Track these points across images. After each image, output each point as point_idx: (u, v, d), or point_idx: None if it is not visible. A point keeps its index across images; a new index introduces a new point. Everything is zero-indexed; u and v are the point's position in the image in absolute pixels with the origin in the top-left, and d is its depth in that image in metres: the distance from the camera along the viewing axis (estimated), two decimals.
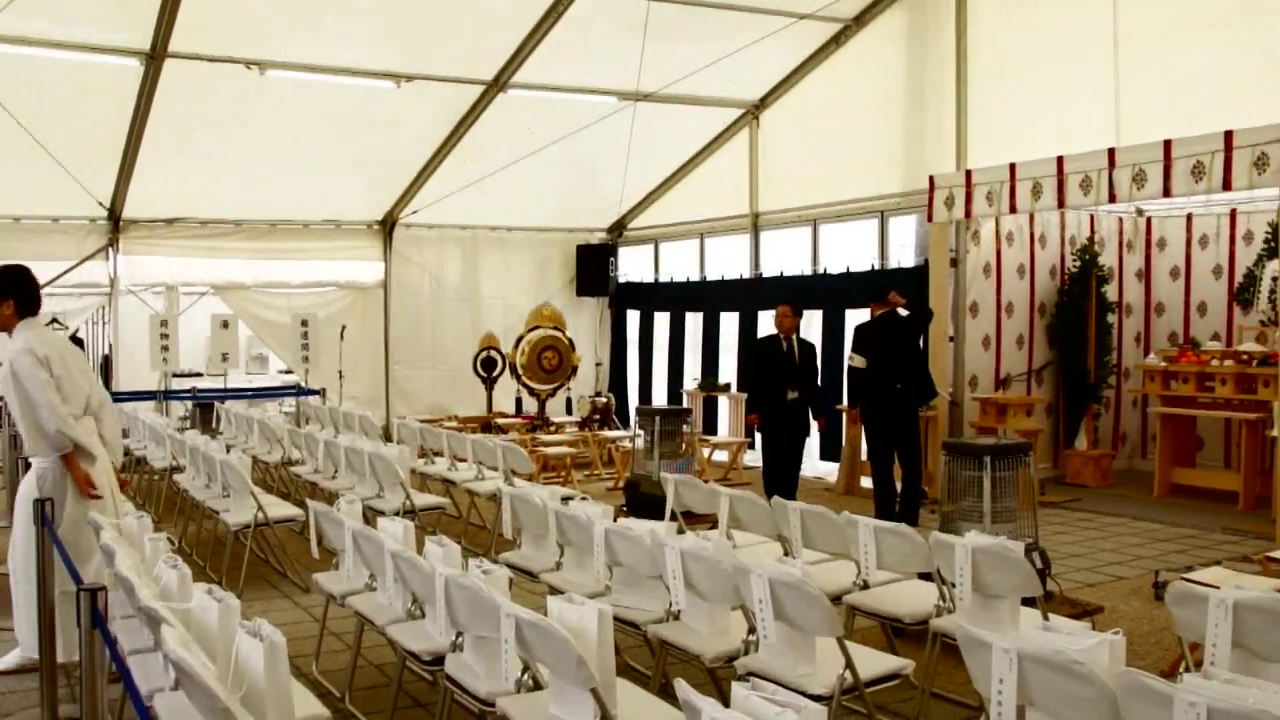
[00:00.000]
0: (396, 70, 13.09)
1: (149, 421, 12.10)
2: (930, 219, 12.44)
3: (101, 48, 11.71)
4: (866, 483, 11.62)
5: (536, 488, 7.73)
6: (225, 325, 15.25)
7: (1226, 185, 9.78)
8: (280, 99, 13.10)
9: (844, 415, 12.72)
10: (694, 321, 16.64)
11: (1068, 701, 3.37)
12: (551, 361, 15.64)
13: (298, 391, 15.44)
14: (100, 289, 15.18)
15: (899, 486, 10.49)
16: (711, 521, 7.25)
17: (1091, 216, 13.58)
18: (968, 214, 12.01)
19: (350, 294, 16.86)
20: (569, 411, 16.86)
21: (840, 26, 13.96)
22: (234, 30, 11.84)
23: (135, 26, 11.41)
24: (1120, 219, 13.93)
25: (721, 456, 14.27)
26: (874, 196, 13.79)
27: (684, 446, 11.37)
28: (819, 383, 11.05)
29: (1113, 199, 10.69)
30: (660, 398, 17.04)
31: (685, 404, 15.52)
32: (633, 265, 18.45)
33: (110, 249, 15.03)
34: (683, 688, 3.16)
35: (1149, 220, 14.07)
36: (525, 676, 4.25)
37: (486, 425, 15.16)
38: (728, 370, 15.82)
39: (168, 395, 14.89)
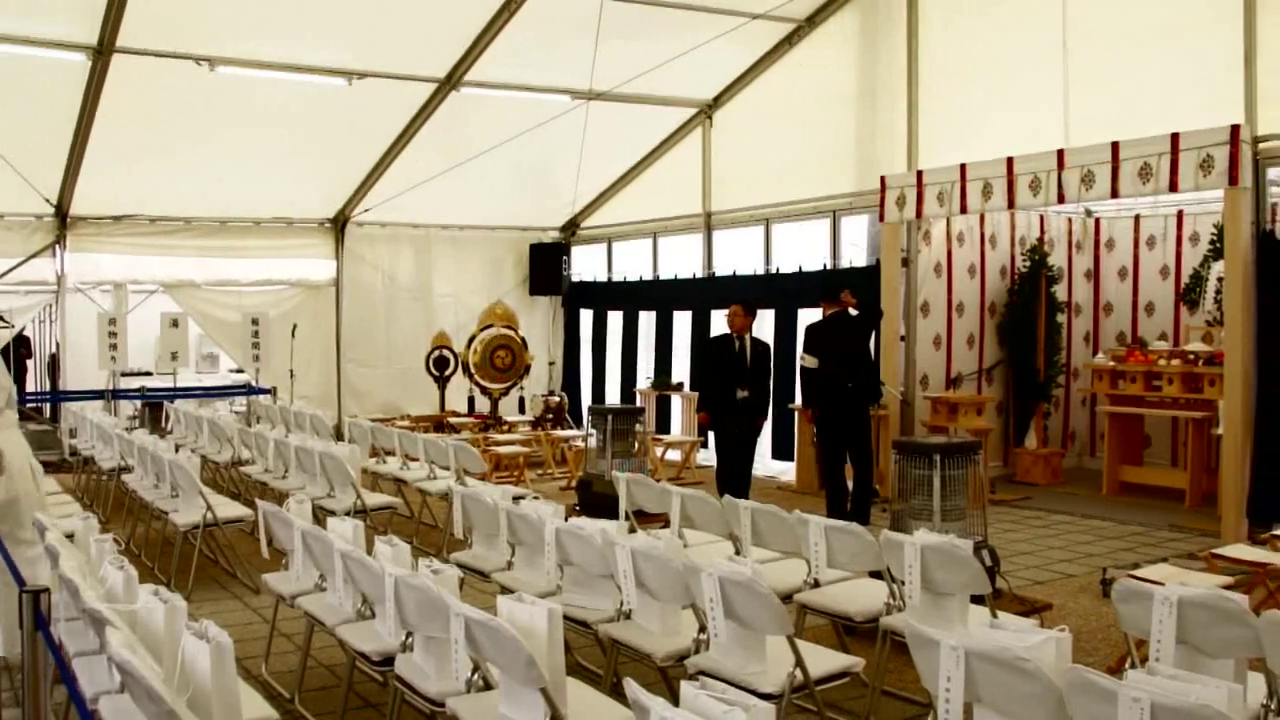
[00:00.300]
0: (348, 67, 12.99)
1: (97, 421, 11.95)
2: (882, 219, 12.53)
3: (48, 42, 11.53)
4: None
5: (488, 487, 7.71)
6: (175, 324, 15.11)
7: (1173, 187, 9.93)
8: (231, 95, 12.95)
9: (796, 415, 12.78)
10: (647, 321, 16.64)
11: (1014, 698, 3.40)
12: (504, 360, 15.59)
13: (248, 390, 15.32)
14: (47, 286, 14.95)
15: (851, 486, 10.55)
16: (664, 521, 7.26)
17: (1041, 217, 13.72)
18: (919, 214, 12.11)
19: (302, 292, 16.73)
20: (522, 411, 16.84)
21: (793, 27, 14.00)
22: (183, 25, 11.70)
23: (82, 20, 11.24)
24: (1069, 219, 14.07)
25: (675, 455, 14.28)
26: (826, 196, 13.84)
27: (637, 446, 11.38)
28: (771, 383, 11.07)
29: (1062, 200, 10.83)
30: (614, 397, 17.04)
31: (638, 403, 15.52)
32: (586, 264, 18.44)
33: (57, 246, 14.81)
34: (632, 687, 3.15)
35: (1098, 221, 14.23)
36: (475, 676, 4.23)
37: (439, 424, 15.10)
38: (681, 369, 15.84)
39: (116, 394, 14.71)
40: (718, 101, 15.48)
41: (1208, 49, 10.22)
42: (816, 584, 5.85)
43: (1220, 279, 11.27)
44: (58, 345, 15.33)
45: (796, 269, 14.08)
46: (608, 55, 12.94)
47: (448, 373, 16.10)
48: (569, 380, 18.25)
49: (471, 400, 16.27)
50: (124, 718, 3.82)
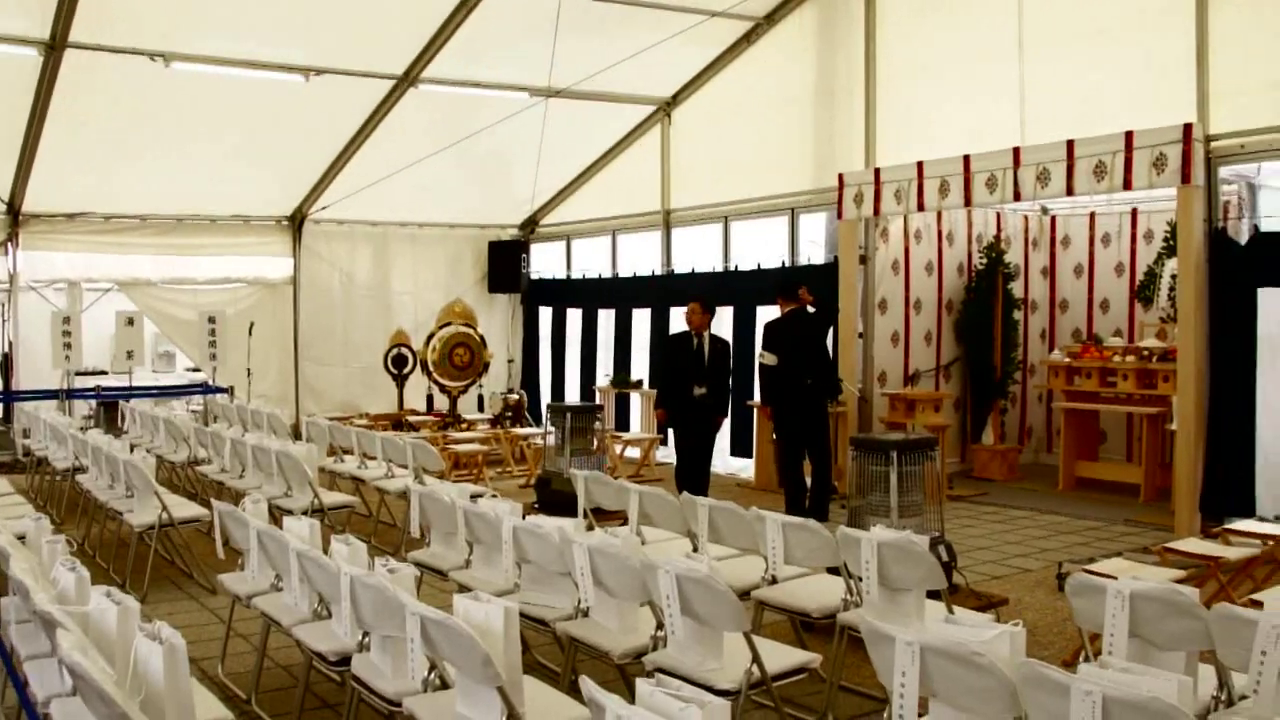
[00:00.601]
0: (305, 64, 12.91)
1: (51, 421, 11.81)
2: (840, 216, 12.58)
3: None
4: None
5: (446, 485, 7.70)
6: (130, 322, 14.96)
7: (1127, 185, 10.04)
8: (186, 92, 12.83)
9: (755, 412, 12.81)
10: (606, 318, 16.64)
11: (969, 692, 3.42)
12: (463, 358, 15.54)
13: (205, 389, 15.21)
14: None
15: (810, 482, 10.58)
16: (622, 518, 7.26)
17: (998, 214, 13.81)
18: (876, 211, 12.17)
19: (259, 290, 16.62)
20: (481, 408, 16.79)
21: (751, 24, 14.03)
22: (137, 21, 11.58)
23: (34, 14, 11.11)
24: (1026, 217, 14.18)
25: (634, 453, 14.28)
26: (785, 194, 13.88)
27: (596, 443, 11.38)
28: (729, 381, 11.09)
29: (1018, 197, 10.91)
30: (573, 394, 17.04)
31: (597, 400, 15.52)
32: (545, 262, 18.42)
33: (9, 244, 14.63)
34: (588, 685, 3.15)
35: (1053, 218, 14.35)
36: (432, 675, 4.22)
37: (398, 423, 15.05)
38: (640, 367, 15.86)
39: (70, 394, 14.56)
40: (676, 99, 15.49)
41: (1161, 48, 10.32)
42: (774, 580, 5.86)
43: (1174, 276, 11.38)
44: (10, 344, 15.14)
45: (755, 266, 14.11)
46: (566, 52, 12.93)
47: (406, 371, 16.05)
48: (528, 378, 18.22)
49: (430, 398, 16.22)
50: None
